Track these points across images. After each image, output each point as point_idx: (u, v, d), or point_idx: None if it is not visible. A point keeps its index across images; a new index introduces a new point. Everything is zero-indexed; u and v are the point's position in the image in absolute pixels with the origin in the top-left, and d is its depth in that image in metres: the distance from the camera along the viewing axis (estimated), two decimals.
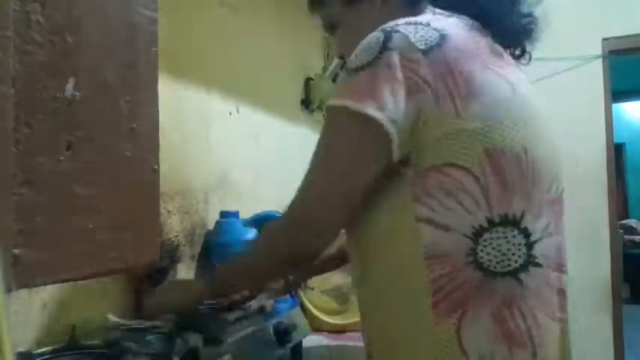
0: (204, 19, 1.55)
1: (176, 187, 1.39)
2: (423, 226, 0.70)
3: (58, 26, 0.52)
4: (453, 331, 0.69)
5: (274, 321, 1.09)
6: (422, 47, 0.70)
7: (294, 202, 0.75)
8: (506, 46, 0.81)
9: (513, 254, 0.70)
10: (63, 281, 0.59)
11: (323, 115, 0.78)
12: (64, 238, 0.53)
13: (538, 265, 0.71)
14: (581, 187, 2.72)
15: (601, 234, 2.80)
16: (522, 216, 0.71)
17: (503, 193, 0.70)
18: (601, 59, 2.79)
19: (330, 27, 0.92)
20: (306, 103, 2.20)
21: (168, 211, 1.36)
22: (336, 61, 2.31)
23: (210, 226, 1.50)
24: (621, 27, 2.77)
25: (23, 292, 0.94)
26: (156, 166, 0.66)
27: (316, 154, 0.75)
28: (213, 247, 1.46)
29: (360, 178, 0.71)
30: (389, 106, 0.68)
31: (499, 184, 0.70)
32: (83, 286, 1.09)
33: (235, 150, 1.68)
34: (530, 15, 0.82)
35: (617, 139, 2.91)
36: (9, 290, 0.46)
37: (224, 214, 1.48)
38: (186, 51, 1.44)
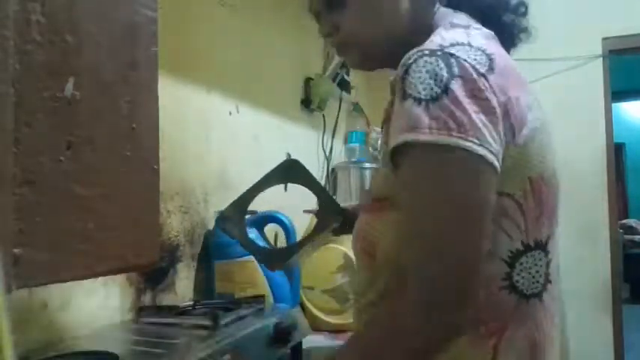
0: (204, 19, 1.55)
1: (176, 187, 1.39)
2: None
3: (58, 26, 0.52)
4: (490, 357, 0.67)
5: (274, 321, 1.09)
6: (482, 71, 0.65)
7: (424, 273, 0.62)
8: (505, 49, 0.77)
9: (540, 275, 0.71)
10: (63, 281, 0.59)
11: (397, 150, 0.65)
12: (64, 238, 0.53)
13: (550, 282, 0.73)
14: (581, 187, 2.72)
15: (601, 234, 2.80)
16: (548, 239, 0.72)
17: (538, 219, 0.70)
18: (601, 59, 2.79)
19: (330, 5, 0.81)
20: (306, 103, 2.20)
21: (168, 211, 1.36)
22: (336, 60, 2.31)
23: (210, 226, 1.50)
24: (621, 27, 2.77)
25: (23, 292, 0.94)
26: (156, 166, 0.66)
27: (425, 205, 0.63)
28: (213, 247, 1.46)
29: (488, 221, 0.63)
30: (489, 140, 0.62)
31: (536, 209, 0.69)
32: (83, 286, 1.09)
33: (235, 150, 1.68)
34: (522, 12, 0.81)
35: (617, 139, 2.91)
36: (9, 290, 0.46)
37: None
38: (186, 51, 1.44)
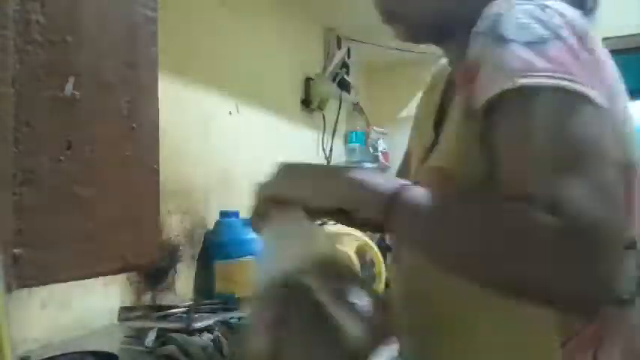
0: (204, 19, 1.55)
1: (176, 186, 1.39)
2: None
3: (58, 26, 0.52)
4: None
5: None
6: (583, 27, 0.57)
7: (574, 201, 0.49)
8: None
9: (634, 278, 0.61)
10: (63, 281, 0.59)
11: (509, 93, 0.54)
12: (64, 238, 0.53)
13: None
14: None
15: None
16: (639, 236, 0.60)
17: (630, 214, 0.59)
18: None
19: None
20: (306, 103, 2.20)
21: (169, 211, 1.36)
22: (336, 60, 2.32)
23: (210, 226, 1.50)
24: (621, 27, 2.77)
25: (23, 292, 0.94)
26: (156, 166, 0.66)
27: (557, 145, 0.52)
28: (213, 247, 1.46)
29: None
30: (600, 95, 0.53)
31: (627, 203, 0.58)
32: (83, 286, 1.09)
33: (235, 149, 1.68)
34: None
35: None
36: (9, 290, 0.46)
37: (224, 214, 1.48)
38: (186, 51, 1.44)
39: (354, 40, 2.47)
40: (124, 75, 0.62)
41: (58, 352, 0.88)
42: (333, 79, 2.32)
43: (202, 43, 1.53)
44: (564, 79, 0.52)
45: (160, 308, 1.18)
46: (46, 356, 0.86)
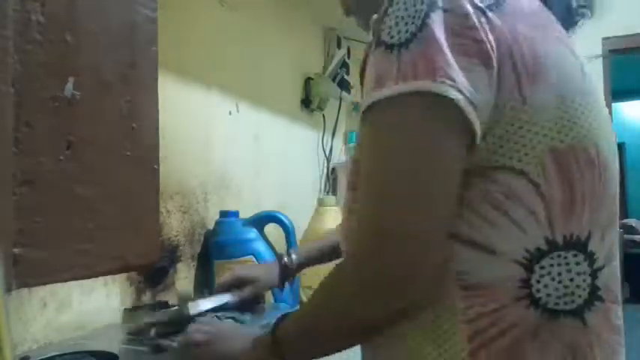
0: (204, 19, 1.55)
1: (176, 186, 1.39)
2: (458, 247, 0.53)
3: (58, 26, 0.52)
4: None
5: (274, 321, 1.09)
6: (480, 5, 0.52)
7: (369, 231, 0.52)
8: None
9: (578, 287, 0.54)
10: (63, 281, 0.59)
11: (364, 112, 0.54)
12: (64, 238, 0.53)
13: (600, 299, 0.56)
14: None
15: None
16: (589, 236, 0.54)
17: (571, 207, 0.53)
18: (601, 59, 2.80)
19: None
20: (306, 103, 2.20)
21: (168, 211, 1.36)
22: (336, 60, 2.31)
23: (210, 225, 1.50)
24: (621, 27, 2.77)
25: (23, 291, 0.94)
26: (156, 166, 0.66)
27: (385, 160, 0.52)
28: (213, 247, 1.46)
29: (453, 183, 0.52)
30: (466, 85, 0.50)
31: (566, 194, 0.53)
32: (83, 286, 1.09)
33: (235, 149, 1.68)
34: None
35: (617, 139, 2.91)
36: (9, 290, 0.46)
37: (224, 214, 1.48)
38: (186, 50, 1.44)
39: (354, 40, 2.47)
40: (124, 75, 0.62)
41: (57, 352, 0.88)
42: (333, 79, 2.32)
43: (202, 43, 1.53)
44: (405, 82, 0.50)
45: (161, 308, 1.18)
46: (46, 356, 0.86)
